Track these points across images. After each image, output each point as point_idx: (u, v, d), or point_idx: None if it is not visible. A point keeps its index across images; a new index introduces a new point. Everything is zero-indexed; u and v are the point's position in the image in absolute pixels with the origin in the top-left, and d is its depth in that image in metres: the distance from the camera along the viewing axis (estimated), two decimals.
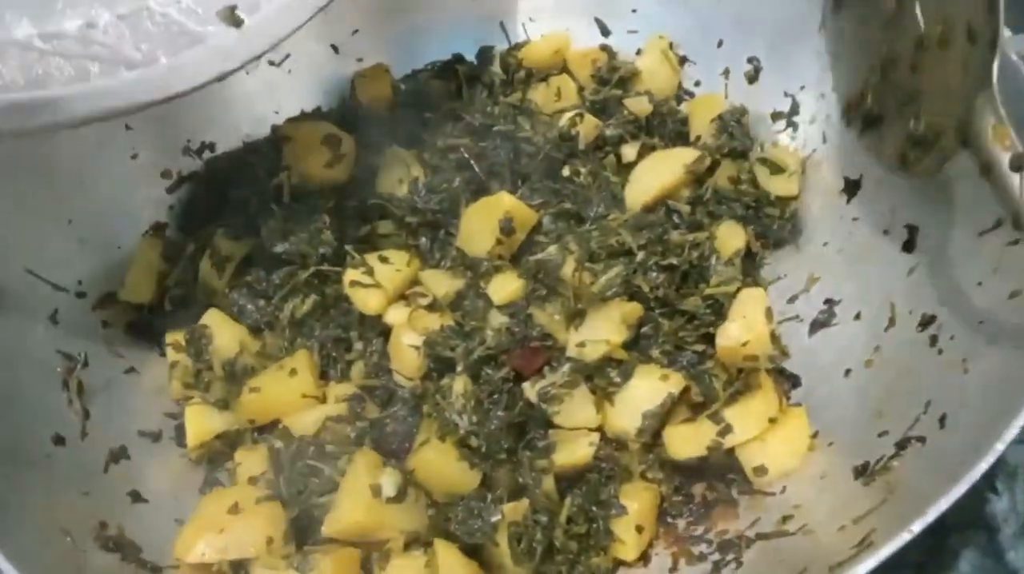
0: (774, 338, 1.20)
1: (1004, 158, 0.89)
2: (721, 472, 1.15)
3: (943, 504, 0.76)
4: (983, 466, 0.77)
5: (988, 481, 1.12)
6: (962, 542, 1.10)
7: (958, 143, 0.96)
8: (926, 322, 1.09)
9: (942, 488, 0.78)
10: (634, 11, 1.57)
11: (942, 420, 0.95)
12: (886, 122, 1.15)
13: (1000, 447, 0.78)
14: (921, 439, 0.96)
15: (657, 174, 1.36)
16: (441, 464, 1.11)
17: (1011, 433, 0.79)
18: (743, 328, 1.17)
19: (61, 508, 1.02)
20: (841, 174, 1.33)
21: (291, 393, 1.20)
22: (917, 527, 0.75)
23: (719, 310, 1.22)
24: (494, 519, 1.06)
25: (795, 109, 1.42)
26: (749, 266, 1.33)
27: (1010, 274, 1.00)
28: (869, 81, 1.18)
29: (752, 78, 1.48)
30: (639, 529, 1.07)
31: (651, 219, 1.29)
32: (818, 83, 1.38)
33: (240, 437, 1.21)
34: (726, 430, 1.10)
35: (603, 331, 1.19)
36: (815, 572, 0.85)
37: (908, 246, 1.18)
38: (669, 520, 1.14)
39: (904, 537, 0.75)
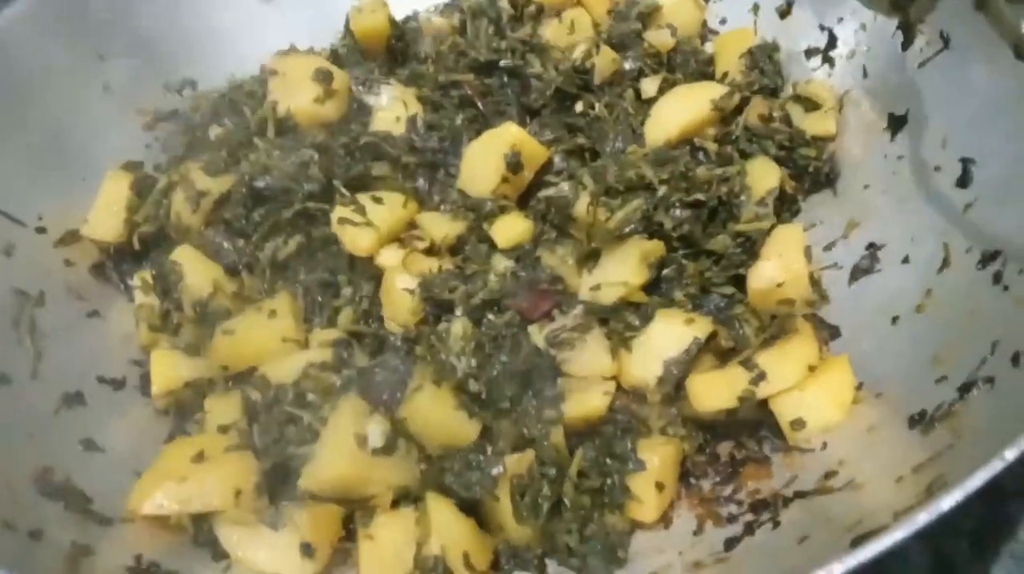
0: (813, 280, 1.08)
1: None
2: (750, 429, 1.02)
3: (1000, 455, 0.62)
4: None
5: None
6: (1022, 510, 1.00)
7: None
8: (987, 259, 0.97)
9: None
10: None
11: (1016, 359, 0.82)
12: None
13: None
14: (990, 380, 0.83)
15: (680, 109, 1.23)
16: (436, 412, 0.98)
17: None
18: (779, 268, 1.06)
19: None
20: (884, 110, 1.20)
21: (269, 337, 1.08)
22: (1011, 454, 0.61)
23: (751, 250, 1.09)
24: (495, 471, 0.94)
25: (832, 43, 1.30)
26: (781, 211, 1.21)
27: None
28: None
29: (784, 12, 1.36)
30: (659, 486, 0.94)
31: (675, 154, 1.16)
32: (856, 14, 1.25)
33: (211, 386, 1.08)
34: (760, 377, 0.97)
35: (620, 272, 1.06)
36: (872, 524, 0.71)
37: (963, 181, 1.06)
38: (692, 481, 1.01)
39: (996, 465, 0.61)
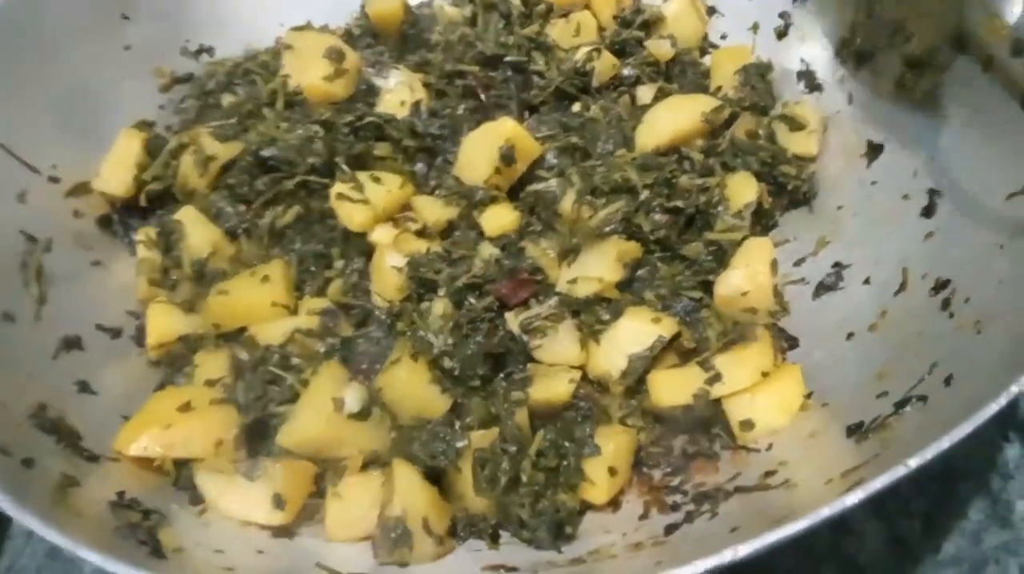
0: (776, 292, 1.14)
1: (1002, 48, 0.90)
2: (705, 426, 1.08)
3: (944, 442, 0.69)
4: (993, 408, 0.70)
5: (1000, 429, 1.11)
6: (972, 490, 1.09)
7: (953, 52, 0.96)
8: (940, 286, 1.03)
9: (943, 432, 0.71)
10: None
11: (948, 380, 0.89)
12: (878, 55, 1.17)
13: (1015, 390, 0.71)
14: (923, 398, 0.89)
15: (672, 118, 1.28)
16: (411, 384, 1.04)
17: (1014, 389, 0.72)
18: (745, 277, 1.11)
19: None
20: (864, 136, 1.26)
21: (261, 300, 1.13)
22: (914, 462, 0.68)
23: (721, 258, 1.15)
24: (459, 444, 1.00)
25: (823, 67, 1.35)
26: (758, 225, 1.26)
27: None
28: (856, 21, 1.20)
29: (781, 33, 1.41)
30: (612, 471, 1.00)
31: (661, 161, 1.22)
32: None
33: (203, 341, 1.14)
34: (715, 378, 1.03)
35: (597, 268, 1.12)
36: (795, 518, 0.77)
37: (928, 211, 1.12)
38: (645, 470, 1.07)
39: (899, 470, 0.68)
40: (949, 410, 0.81)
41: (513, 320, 1.10)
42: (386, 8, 1.44)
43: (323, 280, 1.21)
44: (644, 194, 1.16)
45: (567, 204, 1.16)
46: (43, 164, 1.21)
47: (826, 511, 0.68)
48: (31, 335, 1.06)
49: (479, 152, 1.23)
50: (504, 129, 1.21)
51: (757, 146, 1.28)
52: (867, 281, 1.15)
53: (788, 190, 1.28)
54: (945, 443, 0.68)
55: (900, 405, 0.91)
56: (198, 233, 1.18)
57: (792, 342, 1.16)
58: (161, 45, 1.41)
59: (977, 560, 1.04)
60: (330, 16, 1.53)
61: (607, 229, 1.14)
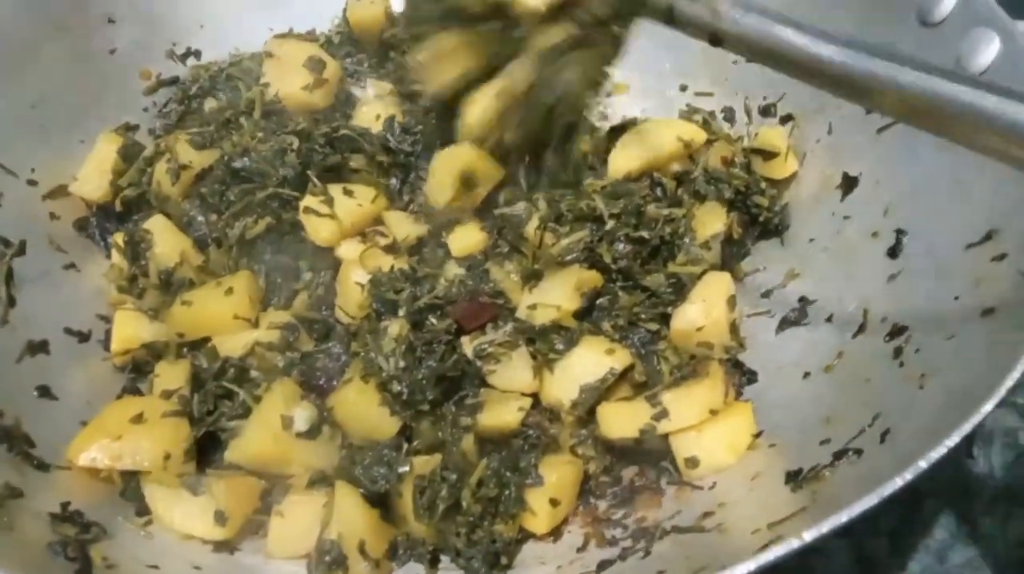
0: (733, 328, 1.13)
1: None
2: (655, 459, 1.08)
3: (843, 517, 0.68)
4: (891, 487, 0.70)
5: (966, 447, 1.13)
6: (938, 507, 1.10)
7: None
8: (895, 333, 1.01)
9: (853, 502, 0.70)
10: None
11: (884, 435, 0.88)
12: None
13: (923, 465, 0.71)
14: (859, 451, 0.89)
15: (646, 145, 1.28)
16: (360, 406, 1.05)
17: (935, 454, 0.71)
18: (701, 312, 1.11)
19: None
20: (841, 169, 1.24)
21: (223, 312, 1.15)
22: (809, 536, 0.68)
23: (680, 290, 1.15)
24: (401, 470, 1.01)
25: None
26: (729, 254, 1.26)
27: (989, 290, 0.92)
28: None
29: None
30: (553, 502, 1.01)
31: (630, 188, 1.22)
32: None
33: (167, 349, 1.16)
34: (662, 414, 1.03)
35: (556, 296, 1.12)
36: (710, 569, 0.78)
37: (894, 251, 1.10)
38: (592, 500, 1.07)
39: (794, 543, 0.67)
40: (878, 469, 0.80)
41: (468, 345, 1.10)
42: (367, 17, 1.45)
43: (291, 292, 1.23)
44: (610, 223, 1.15)
45: (531, 229, 1.16)
46: (22, 167, 1.23)
47: (741, 569, 0.68)
48: None
49: (442, 176, 1.21)
50: (462, 155, 1.19)
51: (731, 174, 1.27)
52: (830, 319, 1.14)
53: (760, 221, 1.27)
54: (843, 517, 0.68)
55: (837, 456, 0.91)
56: (166, 242, 1.20)
57: (751, 376, 1.15)
58: (147, 48, 1.43)
59: None
60: (318, 21, 1.53)
61: (568, 257, 1.14)
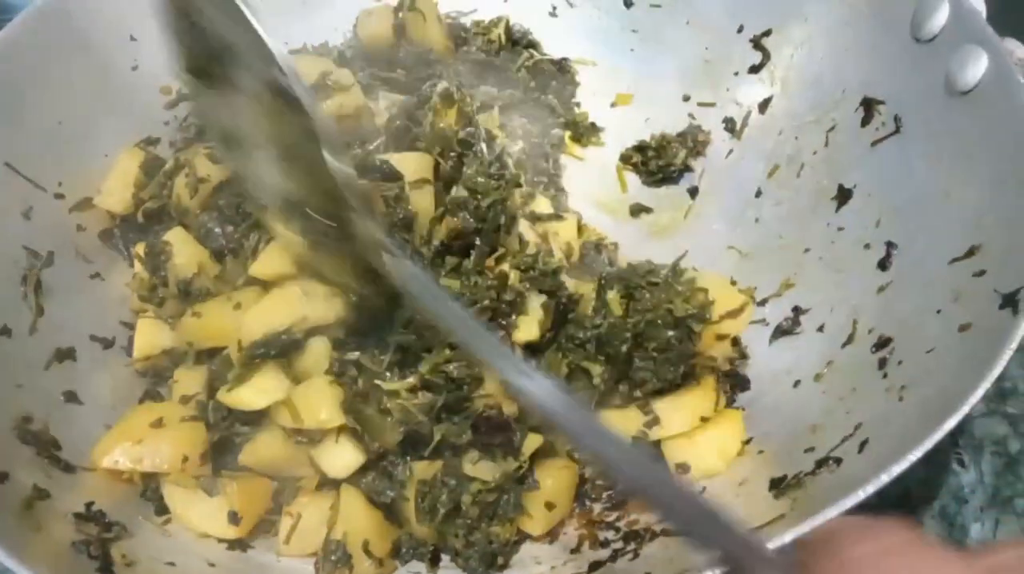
0: (736, 340, 1.17)
1: None
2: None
3: (802, 529, 0.73)
4: (852, 500, 0.74)
5: (954, 453, 1.16)
6: (928, 514, 1.13)
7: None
8: (881, 344, 1.05)
9: (823, 512, 0.75)
10: None
11: (862, 445, 0.91)
12: None
13: (885, 479, 0.74)
14: (838, 461, 0.92)
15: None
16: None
17: (895, 469, 0.75)
18: None
19: None
20: (836, 180, 1.27)
21: (231, 326, 1.18)
22: (773, 545, 0.72)
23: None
24: (403, 476, 1.06)
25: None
26: None
27: (968, 306, 0.95)
28: None
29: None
30: (549, 506, 1.06)
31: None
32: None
33: (185, 357, 1.22)
34: (653, 422, 1.07)
35: None
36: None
37: (884, 263, 1.13)
38: (587, 502, 1.12)
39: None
40: (848, 480, 0.84)
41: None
42: (376, 30, 1.49)
43: None
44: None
45: None
46: (50, 181, 1.28)
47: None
48: (25, 347, 1.13)
49: None
50: None
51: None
52: (821, 328, 1.17)
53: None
54: (805, 527, 0.72)
55: (819, 464, 0.94)
56: (185, 253, 1.25)
57: (744, 385, 1.19)
58: (168, 64, 1.47)
59: None
60: (331, 34, 1.58)
61: None
